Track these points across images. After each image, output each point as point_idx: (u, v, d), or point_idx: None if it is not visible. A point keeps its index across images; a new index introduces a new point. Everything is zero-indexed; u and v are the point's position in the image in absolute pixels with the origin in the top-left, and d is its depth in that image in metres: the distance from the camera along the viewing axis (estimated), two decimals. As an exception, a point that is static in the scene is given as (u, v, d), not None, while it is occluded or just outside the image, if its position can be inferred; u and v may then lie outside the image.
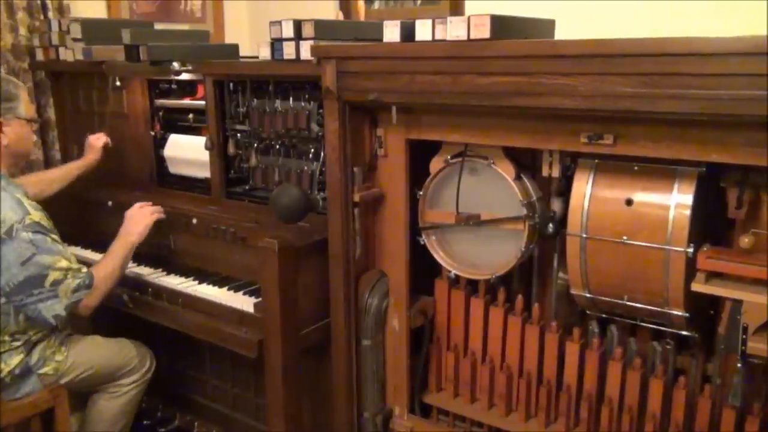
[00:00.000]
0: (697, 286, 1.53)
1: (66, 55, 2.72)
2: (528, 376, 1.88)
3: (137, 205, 2.27)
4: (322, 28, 1.96)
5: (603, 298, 1.69)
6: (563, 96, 1.45)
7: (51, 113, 2.98)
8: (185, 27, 3.54)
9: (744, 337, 1.49)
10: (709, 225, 1.62)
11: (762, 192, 1.51)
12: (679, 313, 1.59)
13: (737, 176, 1.52)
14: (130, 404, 2.30)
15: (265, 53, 2.06)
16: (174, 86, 2.57)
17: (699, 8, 2.35)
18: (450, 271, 1.94)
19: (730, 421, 1.60)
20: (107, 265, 2.11)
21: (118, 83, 2.61)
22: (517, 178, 1.77)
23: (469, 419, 2.00)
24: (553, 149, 1.71)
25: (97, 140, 2.56)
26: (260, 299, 1.97)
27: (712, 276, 1.53)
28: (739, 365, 1.54)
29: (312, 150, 2.15)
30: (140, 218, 2.22)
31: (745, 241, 1.49)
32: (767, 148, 1.34)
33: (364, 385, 2.02)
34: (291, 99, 2.15)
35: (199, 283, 2.21)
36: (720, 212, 1.59)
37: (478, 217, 1.84)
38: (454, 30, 1.59)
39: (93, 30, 2.66)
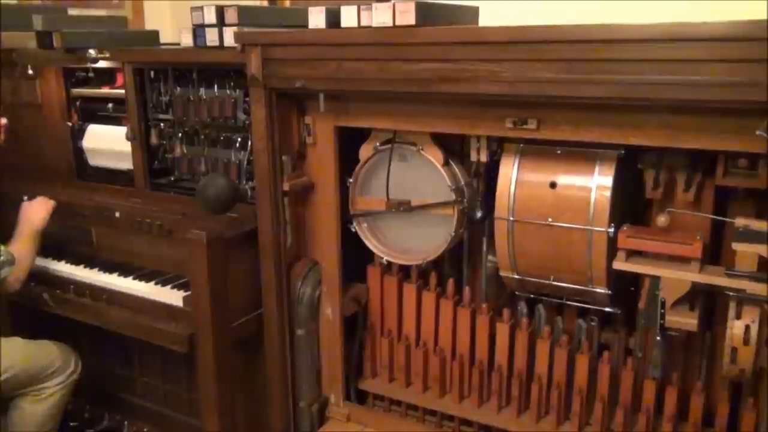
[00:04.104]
0: (618, 264, 1.59)
1: (-29, 42, 2.56)
2: (461, 358, 1.91)
3: (37, 199, 2.25)
4: (246, 14, 1.92)
5: (530, 279, 1.74)
6: (488, 82, 1.47)
7: (-43, 104, 2.81)
8: (102, 13, 3.39)
9: (662, 311, 1.57)
10: (629, 205, 1.69)
11: (677, 173, 1.58)
12: (602, 291, 1.66)
13: (653, 158, 1.58)
14: (56, 407, 2.24)
15: (187, 40, 2.00)
16: (91, 75, 2.45)
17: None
18: (382, 258, 1.95)
19: (651, 391, 1.68)
20: (22, 243, 2.11)
21: (30, 72, 2.49)
22: (446, 163, 1.79)
23: (405, 403, 2.03)
24: (480, 135, 1.73)
25: None
26: (189, 293, 1.93)
27: (632, 254, 1.60)
28: (658, 338, 1.62)
29: (239, 139, 2.10)
30: (38, 207, 2.22)
31: (661, 220, 1.56)
32: (680, 131, 1.40)
33: (298, 375, 2.01)
34: (216, 87, 2.09)
35: (125, 279, 2.15)
36: (638, 193, 1.65)
37: (409, 203, 1.85)
38: (379, 16, 1.58)
39: (1, 15, 2.51)
